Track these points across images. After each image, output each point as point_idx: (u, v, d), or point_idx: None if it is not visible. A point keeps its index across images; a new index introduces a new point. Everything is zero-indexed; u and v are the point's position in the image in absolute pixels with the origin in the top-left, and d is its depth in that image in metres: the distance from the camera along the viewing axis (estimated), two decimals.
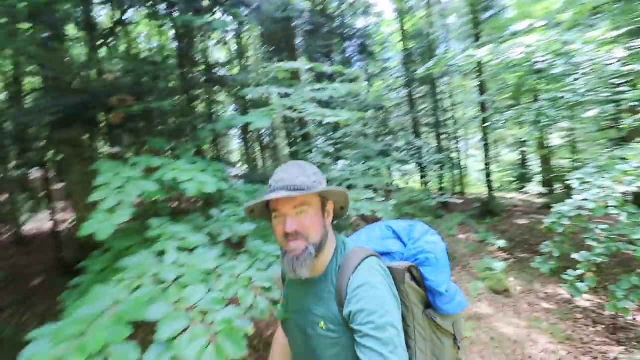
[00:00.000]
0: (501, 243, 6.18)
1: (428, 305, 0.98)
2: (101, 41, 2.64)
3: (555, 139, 12.26)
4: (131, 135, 2.77)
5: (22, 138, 3.13)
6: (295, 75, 7.31)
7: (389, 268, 0.93)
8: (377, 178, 5.47)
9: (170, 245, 1.55)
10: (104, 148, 4.27)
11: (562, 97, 4.50)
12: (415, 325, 0.94)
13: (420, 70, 5.41)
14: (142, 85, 2.35)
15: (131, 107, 2.14)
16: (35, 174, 6.50)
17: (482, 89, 10.86)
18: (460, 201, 11.97)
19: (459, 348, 1.02)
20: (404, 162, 8.57)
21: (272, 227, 0.91)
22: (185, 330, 1.03)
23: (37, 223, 6.50)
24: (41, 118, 2.01)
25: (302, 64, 3.28)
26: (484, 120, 10.23)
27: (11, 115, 2.63)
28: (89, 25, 2.52)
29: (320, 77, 9.72)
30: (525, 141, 13.53)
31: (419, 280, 0.97)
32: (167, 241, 1.57)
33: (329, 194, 0.90)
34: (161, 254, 1.52)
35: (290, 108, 2.32)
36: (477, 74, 10.97)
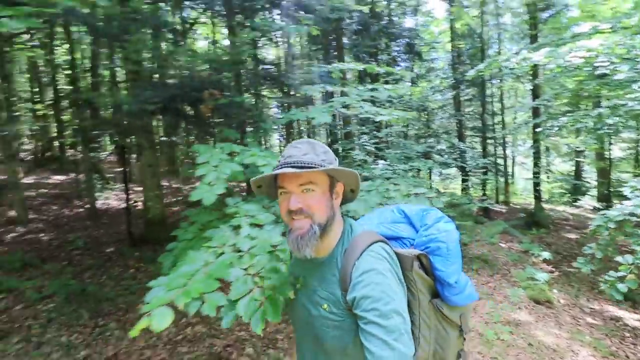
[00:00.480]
0: (546, 255, 5.95)
1: (436, 294, 0.94)
2: (184, 41, 3.00)
3: (616, 150, 11.35)
4: (210, 125, 3.13)
5: (116, 124, 3.64)
6: (343, 74, 7.50)
7: (397, 254, 0.91)
8: (417, 180, 5.51)
9: (244, 221, 1.82)
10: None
11: (626, 105, 4.27)
12: (421, 312, 0.92)
13: (471, 72, 5.34)
14: (223, 81, 2.66)
15: (218, 100, 2.45)
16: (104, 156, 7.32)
17: (535, 92, 10.32)
18: (504, 209, 11.51)
19: (464, 339, 0.99)
20: (446, 165, 8.44)
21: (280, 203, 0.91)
22: (248, 293, 1.20)
23: (105, 200, 7.31)
24: (143, 107, 2.39)
25: (355, 65, 3.46)
26: (536, 126, 9.75)
27: (114, 104, 3.04)
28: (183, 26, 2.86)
29: (364, 77, 9.82)
30: (581, 151, 12.65)
31: (428, 269, 0.93)
32: (241, 218, 1.85)
33: (338, 174, 0.88)
34: (237, 228, 1.79)
35: (346, 106, 2.51)
36: (532, 76, 10.43)
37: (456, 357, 0.99)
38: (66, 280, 3.51)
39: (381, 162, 5.95)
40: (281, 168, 0.83)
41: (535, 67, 9.59)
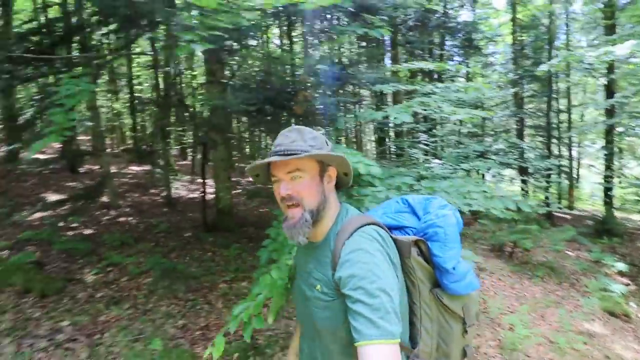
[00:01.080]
0: (621, 266, 5.52)
1: (436, 284, 0.93)
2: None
3: None
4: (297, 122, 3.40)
5: (204, 122, 4.07)
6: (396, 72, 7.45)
7: (395, 240, 0.90)
8: (474, 180, 5.37)
9: None
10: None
11: None
12: (422, 303, 0.90)
13: (543, 67, 5.02)
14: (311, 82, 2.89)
15: (310, 101, 2.68)
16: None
17: (610, 88, 9.41)
18: (568, 215, 10.70)
19: (466, 332, 0.95)
20: (506, 165, 8.05)
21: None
22: None
23: (175, 190, 8.03)
24: (244, 108, 2.68)
25: (426, 64, 3.51)
26: (610, 126, 8.90)
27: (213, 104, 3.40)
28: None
29: (414, 73, 9.60)
30: None
31: (427, 256, 0.91)
32: None
33: (327, 158, 0.89)
34: None
35: (424, 105, 2.59)
36: (607, 70, 9.52)
37: (461, 353, 0.96)
38: (158, 258, 4.00)
39: (436, 161, 5.87)
40: (270, 156, 0.86)
41: (611, 61, 8.74)
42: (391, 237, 0.90)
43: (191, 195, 7.91)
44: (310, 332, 0.94)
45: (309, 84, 2.90)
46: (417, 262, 0.89)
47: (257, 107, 2.67)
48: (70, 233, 4.61)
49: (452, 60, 12.02)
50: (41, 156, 9.26)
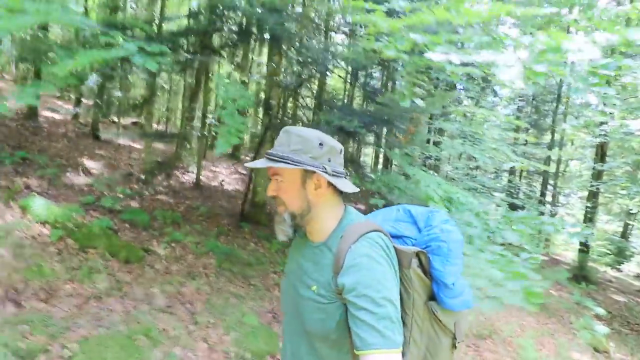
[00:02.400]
0: (600, 311, 6.27)
1: (432, 297, 0.92)
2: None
3: None
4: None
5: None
6: None
7: (396, 249, 0.90)
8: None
9: None
10: None
11: None
12: (414, 314, 0.89)
13: (565, 127, 5.71)
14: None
15: (419, 124, 3.10)
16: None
17: (603, 149, 10.33)
18: (546, 258, 11.63)
19: (455, 347, 0.95)
20: (505, 202, 8.73)
21: None
22: None
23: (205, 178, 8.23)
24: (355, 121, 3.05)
25: (475, 108, 4.03)
26: (597, 187, 9.76)
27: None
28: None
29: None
30: (634, 213, 12.52)
31: (427, 269, 0.91)
32: None
33: (291, 168, 0.86)
34: None
35: (476, 147, 3.09)
36: (603, 133, 10.46)
37: None
38: (214, 241, 4.31)
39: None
40: (260, 159, 0.91)
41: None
42: (393, 245, 0.90)
43: (214, 183, 8.15)
44: (296, 330, 0.94)
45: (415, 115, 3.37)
46: (416, 273, 0.89)
47: (359, 126, 3.11)
48: (122, 204, 4.81)
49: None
50: (57, 116, 9.23)
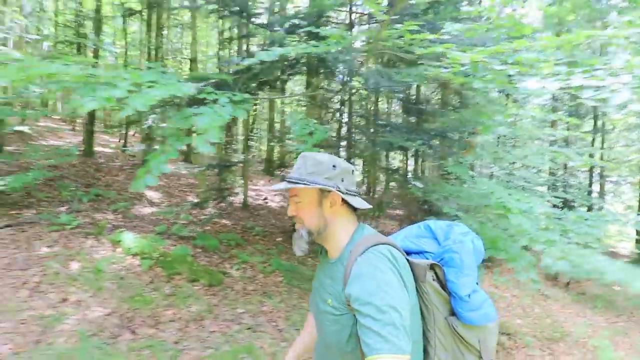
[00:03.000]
0: None
1: (452, 312, 0.92)
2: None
3: None
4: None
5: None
6: None
7: (411, 263, 0.91)
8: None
9: None
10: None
11: None
12: (436, 330, 0.90)
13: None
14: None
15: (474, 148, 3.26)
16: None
17: None
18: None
19: None
20: (556, 197, 8.39)
21: None
22: None
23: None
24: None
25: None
26: None
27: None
28: None
29: None
30: None
31: (443, 282, 0.92)
32: None
33: (322, 187, 0.92)
34: None
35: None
36: None
37: None
38: (278, 260, 4.56)
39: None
40: (280, 182, 0.98)
41: None
42: (407, 260, 0.92)
43: (258, 202, 8.50)
44: (322, 347, 0.98)
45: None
46: (433, 287, 0.90)
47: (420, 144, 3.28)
48: (189, 230, 5.18)
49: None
50: (107, 150, 9.99)
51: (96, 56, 8.15)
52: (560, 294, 5.97)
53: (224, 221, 6.05)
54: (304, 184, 0.91)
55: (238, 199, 7.86)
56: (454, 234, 0.98)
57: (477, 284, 0.92)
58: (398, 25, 2.22)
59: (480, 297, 0.90)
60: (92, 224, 4.62)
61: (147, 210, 5.81)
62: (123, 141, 10.33)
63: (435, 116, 4.20)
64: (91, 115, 7.84)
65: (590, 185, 10.96)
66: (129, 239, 3.92)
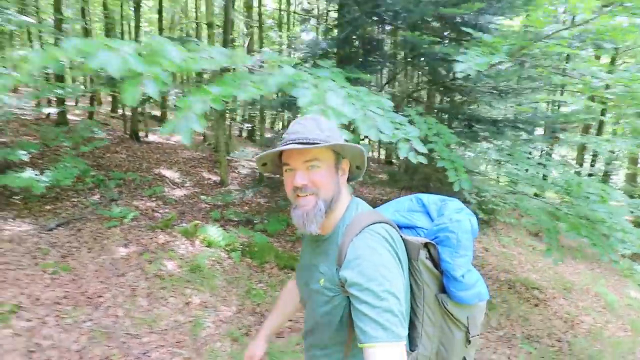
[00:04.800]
0: None
1: (443, 289, 0.90)
2: None
3: None
4: None
5: None
6: None
7: (405, 241, 0.89)
8: None
9: None
10: None
11: None
12: (425, 307, 0.88)
13: None
14: None
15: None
16: None
17: None
18: None
19: (469, 342, 0.92)
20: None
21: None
22: None
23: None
24: None
25: None
26: None
27: None
28: None
29: None
30: None
31: (436, 261, 0.89)
32: None
33: (344, 150, 0.87)
34: None
35: None
36: None
37: None
38: None
39: None
40: (286, 144, 0.83)
41: None
42: (401, 236, 0.89)
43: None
44: (311, 326, 0.95)
45: None
46: (425, 265, 0.88)
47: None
48: (241, 214, 5.06)
49: None
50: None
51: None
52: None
53: (262, 200, 5.96)
54: (340, 143, 0.83)
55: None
56: (448, 210, 0.94)
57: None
58: None
59: (473, 276, 0.90)
60: (146, 215, 4.31)
61: (178, 192, 5.48)
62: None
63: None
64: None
65: None
66: (214, 232, 3.79)
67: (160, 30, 9.47)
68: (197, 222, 3.97)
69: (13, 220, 3.62)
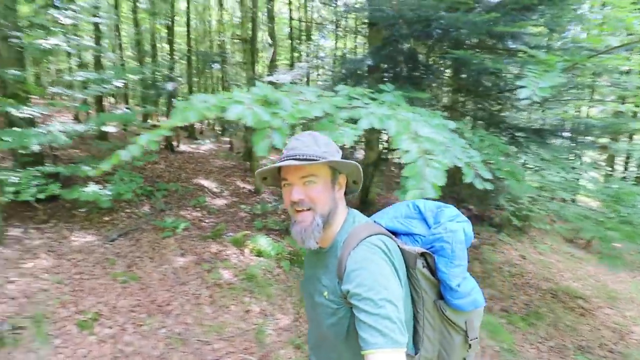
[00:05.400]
0: None
1: (441, 295, 0.93)
2: None
3: None
4: None
5: None
6: None
7: (402, 250, 0.91)
8: None
9: None
10: None
11: None
12: (425, 312, 0.92)
13: None
14: None
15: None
16: None
17: None
18: None
19: (470, 346, 0.95)
20: None
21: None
22: None
23: None
24: None
25: None
26: None
27: None
28: None
29: None
30: None
31: (433, 269, 0.92)
32: None
33: (340, 166, 0.89)
34: None
35: None
36: None
37: None
38: None
39: None
40: (284, 160, 0.86)
41: None
42: (398, 246, 0.91)
43: None
44: (317, 338, 0.98)
45: None
46: (422, 274, 0.90)
47: None
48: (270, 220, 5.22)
49: None
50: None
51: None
52: (584, 254, 6.95)
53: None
54: (336, 160, 0.86)
55: None
56: (444, 217, 0.97)
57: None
58: None
59: (469, 284, 0.93)
60: (194, 225, 4.52)
61: (218, 202, 5.69)
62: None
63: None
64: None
65: None
66: (262, 241, 3.94)
67: (189, 45, 9.86)
68: (246, 232, 4.13)
69: (78, 231, 3.88)
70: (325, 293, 0.88)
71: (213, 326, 2.82)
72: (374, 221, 1.00)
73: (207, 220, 4.79)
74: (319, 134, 0.92)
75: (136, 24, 10.18)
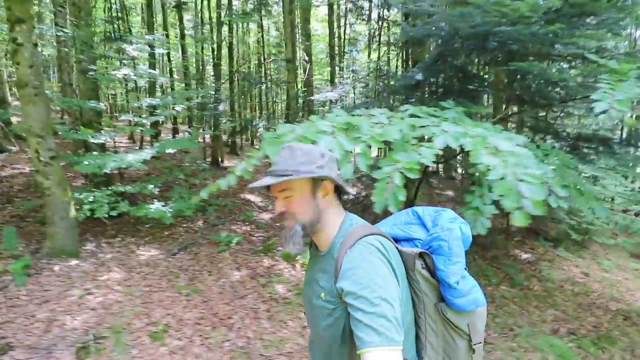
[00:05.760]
0: None
1: (442, 298, 0.93)
2: None
3: None
4: None
5: None
6: None
7: (401, 252, 0.92)
8: None
9: None
10: None
11: None
12: (426, 316, 0.91)
13: None
14: None
15: None
16: None
17: None
18: None
19: (474, 351, 0.94)
20: None
21: None
22: None
23: None
24: None
25: None
26: None
27: None
28: None
29: None
30: None
31: (432, 270, 0.92)
32: None
33: (303, 180, 0.90)
34: None
35: None
36: None
37: None
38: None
39: None
40: (264, 178, 0.90)
41: None
42: (397, 248, 0.92)
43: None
44: (315, 338, 0.99)
45: None
46: (422, 275, 0.91)
47: None
48: None
49: None
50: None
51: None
52: None
53: None
54: (299, 174, 0.87)
55: None
56: (442, 220, 0.98)
57: (465, 269, 0.94)
58: None
59: (468, 282, 0.92)
60: (246, 239, 4.69)
61: (264, 216, 5.87)
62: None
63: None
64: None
65: None
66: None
67: (231, 67, 10.41)
68: (275, 242, 4.22)
69: (143, 246, 4.17)
70: (322, 294, 0.90)
71: (273, 341, 2.88)
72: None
73: (256, 235, 4.95)
74: (299, 146, 0.93)
75: (183, 50, 10.97)
